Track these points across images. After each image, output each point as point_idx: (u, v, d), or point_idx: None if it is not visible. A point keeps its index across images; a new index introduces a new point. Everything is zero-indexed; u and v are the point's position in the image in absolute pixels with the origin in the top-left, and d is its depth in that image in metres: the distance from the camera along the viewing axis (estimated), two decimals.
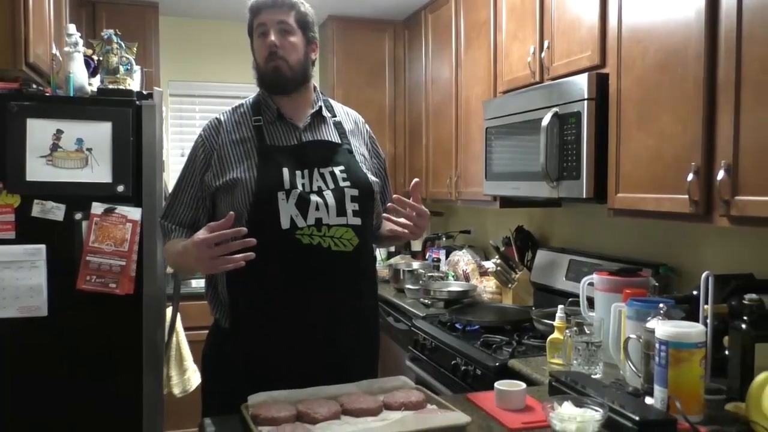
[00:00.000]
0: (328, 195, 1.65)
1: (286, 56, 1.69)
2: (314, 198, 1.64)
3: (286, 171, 1.64)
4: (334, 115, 1.83)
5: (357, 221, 1.67)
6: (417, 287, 3.20)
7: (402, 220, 1.68)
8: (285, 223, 1.60)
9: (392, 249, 4.35)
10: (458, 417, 1.35)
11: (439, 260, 3.65)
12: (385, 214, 1.75)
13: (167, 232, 1.75)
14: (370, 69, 4.12)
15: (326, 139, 1.76)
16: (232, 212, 1.50)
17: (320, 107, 1.79)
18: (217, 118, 1.77)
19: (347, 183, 1.69)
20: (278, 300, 1.64)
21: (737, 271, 1.82)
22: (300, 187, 1.64)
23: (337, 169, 1.70)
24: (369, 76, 4.12)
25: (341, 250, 1.65)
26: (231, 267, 1.49)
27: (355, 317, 1.72)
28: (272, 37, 1.69)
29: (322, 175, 1.68)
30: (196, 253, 1.50)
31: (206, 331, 1.80)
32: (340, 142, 1.77)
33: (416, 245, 4.32)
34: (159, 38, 3.69)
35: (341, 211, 1.65)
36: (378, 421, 1.37)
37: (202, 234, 1.49)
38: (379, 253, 4.16)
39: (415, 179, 1.72)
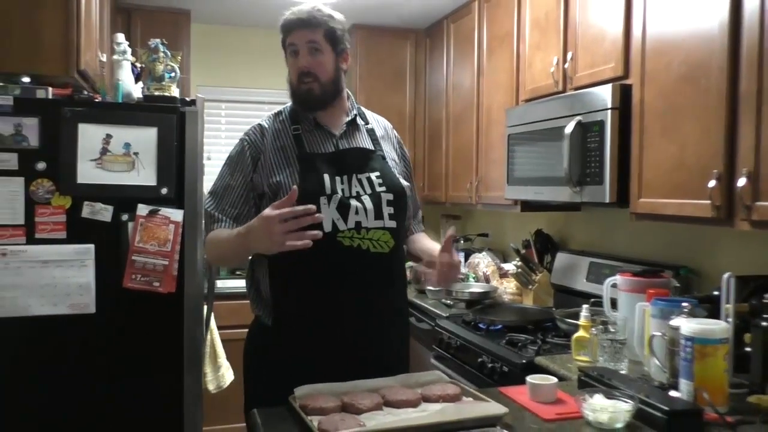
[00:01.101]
0: (366, 199, 1.73)
1: (318, 76, 1.76)
2: (354, 202, 1.71)
3: (326, 177, 1.72)
4: (367, 123, 1.91)
5: (393, 224, 1.76)
6: (438, 288, 3.27)
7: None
8: (327, 227, 1.67)
9: None
10: (495, 407, 1.41)
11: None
12: (418, 267, 1.79)
13: (215, 221, 1.76)
14: (391, 75, 4.20)
15: (361, 146, 1.84)
16: (295, 186, 1.53)
17: (355, 115, 1.87)
18: (260, 124, 1.83)
19: (383, 188, 1.77)
20: (320, 300, 1.70)
21: (756, 272, 1.89)
22: (340, 192, 1.71)
23: (373, 175, 1.78)
24: (390, 82, 4.20)
25: (379, 252, 1.72)
26: (300, 245, 1.48)
27: (390, 317, 1.80)
28: (303, 60, 1.75)
29: (359, 181, 1.76)
30: (266, 229, 1.50)
31: (238, 330, 1.83)
32: (374, 148, 1.85)
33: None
34: (191, 45, 3.79)
35: (378, 214, 1.73)
36: (418, 412, 1.44)
37: (270, 210, 1.50)
38: None
39: (450, 229, 1.70)
